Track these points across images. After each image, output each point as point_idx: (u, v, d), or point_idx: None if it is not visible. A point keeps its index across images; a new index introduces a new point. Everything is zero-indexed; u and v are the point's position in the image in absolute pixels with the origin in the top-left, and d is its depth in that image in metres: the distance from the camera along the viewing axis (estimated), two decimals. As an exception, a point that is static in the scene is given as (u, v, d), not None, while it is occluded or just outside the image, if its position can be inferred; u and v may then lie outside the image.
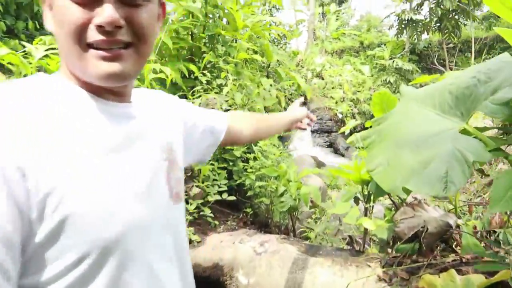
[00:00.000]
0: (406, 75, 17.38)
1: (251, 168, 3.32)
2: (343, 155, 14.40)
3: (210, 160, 3.38)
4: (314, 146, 14.65)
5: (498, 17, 20.17)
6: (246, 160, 3.50)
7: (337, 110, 15.35)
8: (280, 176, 3.11)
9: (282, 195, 2.94)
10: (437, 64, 19.44)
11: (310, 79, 17.43)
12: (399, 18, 17.37)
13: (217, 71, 3.87)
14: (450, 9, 16.13)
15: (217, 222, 3.01)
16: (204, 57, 3.83)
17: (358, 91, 16.64)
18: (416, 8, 17.72)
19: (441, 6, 16.25)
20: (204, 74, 3.69)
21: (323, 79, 17.19)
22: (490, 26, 21.99)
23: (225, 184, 3.26)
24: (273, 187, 2.96)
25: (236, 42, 4.03)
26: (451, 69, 17.92)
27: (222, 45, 3.99)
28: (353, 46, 23.28)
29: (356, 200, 2.73)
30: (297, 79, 4.32)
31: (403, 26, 17.67)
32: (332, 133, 15.34)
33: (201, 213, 2.95)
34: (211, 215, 2.96)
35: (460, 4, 15.97)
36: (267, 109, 12.12)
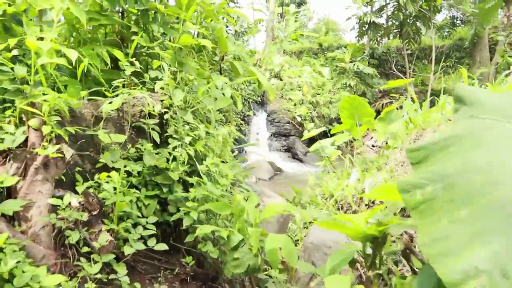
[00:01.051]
0: (366, 79, 16.88)
1: (193, 199, 2.30)
2: (301, 161, 13.61)
3: (133, 185, 2.33)
4: (270, 150, 13.75)
5: (454, 26, 20.11)
6: (186, 186, 2.48)
7: (295, 112, 14.55)
8: (234, 215, 2.13)
9: (236, 247, 1.96)
10: (395, 70, 19.17)
11: (268, 79, 16.56)
12: (360, 20, 16.85)
13: (150, 61, 2.84)
14: (412, 15, 15.76)
15: (138, 287, 1.97)
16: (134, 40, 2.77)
17: (318, 94, 15.95)
18: (377, 11, 17.28)
19: (403, 11, 15.86)
20: (131, 63, 2.63)
21: (281, 79, 16.37)
22: (449, 34, 22.15)
23: (154, 223, 2.22)
24: (223, 236, 1.97)
25: (179, 23, 2.99)
26: (410, 75, 17.62)
27: (159, 26, 2.94)
28: (311, 48, 22.70)
29: (353, 263, 1.78)
30: (258, 76, 3.35)
31: (364, 29, 17.18)
32: (290, 137, 14.52)
33: (111, 276, 1.89)
34: (126, 278, 1.91)
35: (421, 9, 15.63)
36: (220, 112, 11.08)
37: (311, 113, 14.84)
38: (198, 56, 3.76)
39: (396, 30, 17.01)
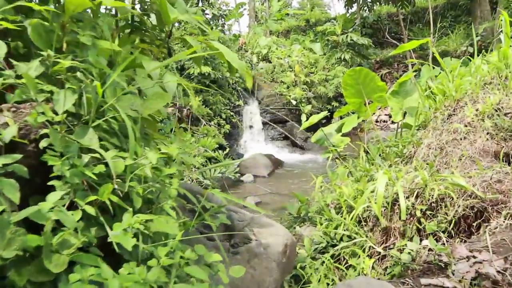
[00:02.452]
0: (361, 51, 15.60)
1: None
2: (302, 148, 12.40)
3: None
4: (267, 140, 12.51)
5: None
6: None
7: (289, 96, 13.29)
8: None
9: None
10: (389, 38, 17.87)
11: (256, 63, 15.26)
12: (348, -13, 15.50)
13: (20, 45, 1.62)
14: (403, -26, 14.43)
15: None
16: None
17: (311, 73, 14.67)
18: (365, -25, 15.92)
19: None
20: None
21: (270, 62, 15.07)
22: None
23: None
24: None
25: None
26: (407, 41, 16.29)
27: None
28: (299, 25, 21.36)
29: None
30: (227, 53, 2.12)
31: (353, -4, 15.85)
32: (287, 123, 13.27)
33: None
34: None
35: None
36: (205, 106, 9.65)
37: (306, 94, 13.59)
38: (140, 34, 2.52)
39: (388, -7, 15.68)
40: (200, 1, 14.19)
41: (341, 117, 8.79)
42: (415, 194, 2.90)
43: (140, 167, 1.55)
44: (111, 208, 1.47)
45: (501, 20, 4.26)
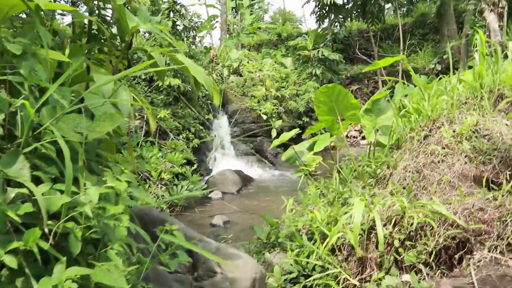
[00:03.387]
0: (332, 66, 15.64)
1: None
2: (272, 163, 12.19)
3: None
4: (236, 155, 12.23)
5: (412, 4, 19.18)
6: None
7: (260, 110, 13.11)
8: None
9: None
10: (359, 53, 18.06)
11: (227, 76, 15.05)
12: (319, 3, 15.53)
13: None
14: (374, -9, 14.59)
15: None
16: None
17: (282, 87, 14.55)
18: (336, -8, 16.01)
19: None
20: None
21: (241, 75, 14.88)
22: (408, 12, 21.30)
23: None
24: None
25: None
26: (377, 57, 16.46)
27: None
28: (271, 39, 21.33)
29: None
30: (192, 67, 1.89)
31: (324, 11, 15.91)
32: (257, 138, 13.06)
33: None
34: None
35: (384, -16, 14.50)
36: (174, 119, 9.29)
37: (277, 109, 13.45)
38: (97, 44, 2.25)
39: (358, 10, 15.81)
40: (171, 12, 13.92)
41: (312, 135, 8.64)
42: (392, 222, 2.71)
43: (80, 206, 1.28)
44: (40, 257, 1.19)
45: (476, 39, 4.20)
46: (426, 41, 18.72)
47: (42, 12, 1.64)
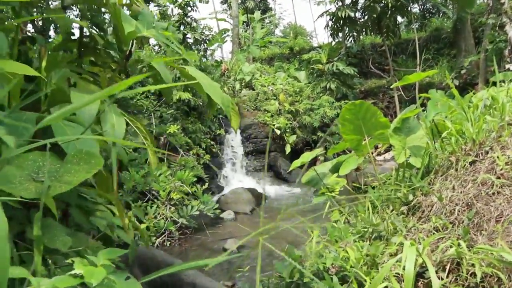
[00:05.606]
0: (347, 80, 15.24)
1: None
2: (286, 180, 11.72)
3: None
4: (249, 172, 11.78)
5: (425, 19, 18.79)
6: None
7: (273, 125, 12.70)
8: None
9: None
10: (373, 68, 17.66)
11: (239, 90, 14.71)
12: (334, 16, 15.18)
13: None
14: (390, 5, 14.19)
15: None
16: None
17: (296, 101, 14.16)
18: (350, 5, 15.66)
19: (379, 2, 14.29)
20: None
21: (253, 89, 14.53)
22: (422, 26, 20.95)
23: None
24: None
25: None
26: (392, 71, 16.01)
27: None
28: (282, 53, 21.03)
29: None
30: (206, 85, 1.47)
31: (338, 25, 15.53)
32: (270, 154, 12.63)
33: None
34: None
35: (400, -1, 14.10)
36: (184, 135, 8.87)
37: (291, 123, 13.03)
38: (90, 54, 1.86)
39: (374, 24, 15.42)
40: (182, 25, 13.65)
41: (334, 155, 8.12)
42: (447, 269, 2.25)
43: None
44: None
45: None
46: (442, 55, 18.27)
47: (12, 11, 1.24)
